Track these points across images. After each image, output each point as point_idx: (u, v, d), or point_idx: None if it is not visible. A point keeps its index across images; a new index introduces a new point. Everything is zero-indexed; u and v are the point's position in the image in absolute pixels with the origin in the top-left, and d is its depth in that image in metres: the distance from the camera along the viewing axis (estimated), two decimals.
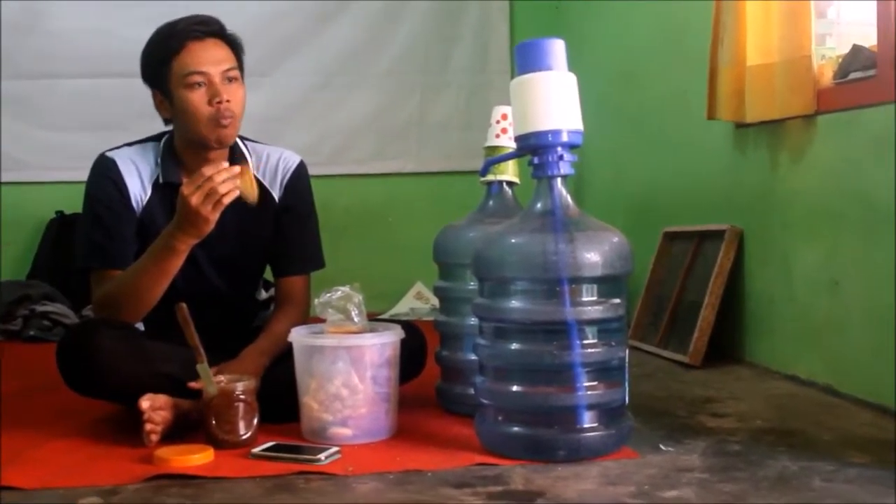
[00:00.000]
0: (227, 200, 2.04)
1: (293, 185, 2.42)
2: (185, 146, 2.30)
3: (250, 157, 2.39)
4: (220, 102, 2.20)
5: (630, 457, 1.91)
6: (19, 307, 4.03)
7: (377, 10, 4.87)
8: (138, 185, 2.31)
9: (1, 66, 4.61)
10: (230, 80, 2.23)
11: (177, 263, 2.14)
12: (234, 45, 2.29)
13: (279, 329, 2.28)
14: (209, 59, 2.21)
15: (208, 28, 2.25)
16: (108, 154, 2.34)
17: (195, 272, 2.33)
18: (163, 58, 2.22)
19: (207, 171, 2.03)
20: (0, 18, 4.60)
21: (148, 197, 2.31)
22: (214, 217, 2.05)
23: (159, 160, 2.32)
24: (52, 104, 4.70)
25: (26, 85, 4.66)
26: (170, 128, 2.35)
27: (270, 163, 2.42)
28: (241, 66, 2.29)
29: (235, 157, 2.32)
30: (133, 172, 2.31)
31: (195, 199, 2.02)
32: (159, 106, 2.30)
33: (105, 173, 2.30)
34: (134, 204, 2.30)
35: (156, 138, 2.38)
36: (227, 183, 2.03)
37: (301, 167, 2.45)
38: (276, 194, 2.41)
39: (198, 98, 2.21)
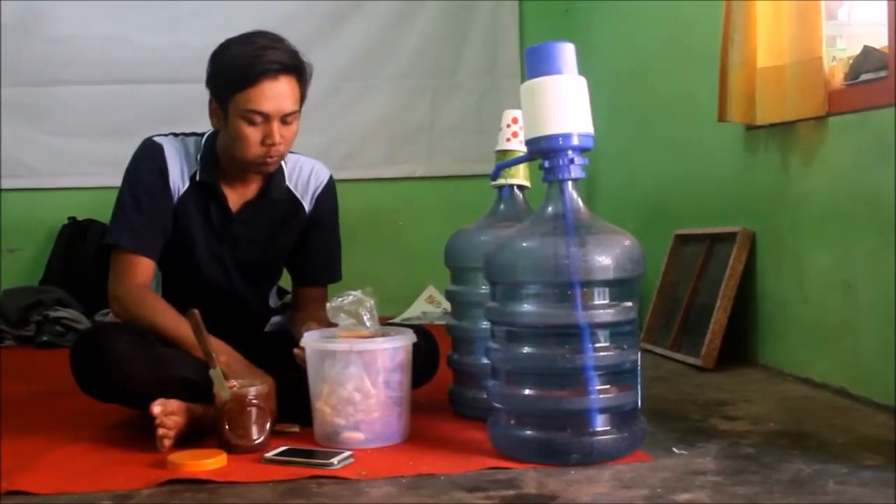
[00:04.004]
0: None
1: (324, 199, 2.47)
2: (226, 155, 2.32)
3: (284, 165, 2.42)
4: (272, 144, 2.23)
5: (643, 460, 1.91)
6: (32, 313, 4.05)
7: (387, 14, 4.89)
8: (178, 175, 2.33)
9: (11, 72, 4.64)
10: (287, 122, 2.25)
11: (192, 351, 2.15)
12: (303, 80, 2.29)
13: (320, 315, 2.28)
14: (275, 100, 2.20)
15: (284, 64, 2.22)
16: (156, 139, 2.36)
17: (221, 272, 2.37)
18: (232, 83, 2.21)
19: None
20: (4, 24, 4.63)
21: (185, 189, 2.34)
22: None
23: (199, 157, 2.34)
24: (63, 111, 4.72)
25: (37, 91, 4.69)
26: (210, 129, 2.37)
27: (303, 174, 2.46)
28: (303, 99, 2.30)
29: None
30: (176, 162, 2.33)
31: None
32: (212, 114, 2.30)
33: (151, 157, 2.32)
34: (172, 191, 2.32)
35: (199, 134, 2.40)
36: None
37: (331, 181, 2.49)
38: (306, 206, 2.45)
39: (252, 134, 2.22)
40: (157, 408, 2.01)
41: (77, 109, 4.72)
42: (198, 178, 2.33)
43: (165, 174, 2.31)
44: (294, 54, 2.26)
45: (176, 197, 2.33)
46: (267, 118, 2.21)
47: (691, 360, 3.04)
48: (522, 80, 2.00)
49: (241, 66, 2.20)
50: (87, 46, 4.70)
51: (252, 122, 2.21)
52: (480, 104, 4.91)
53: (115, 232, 2.29)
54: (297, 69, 2.26)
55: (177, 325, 2.18)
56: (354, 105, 4.90)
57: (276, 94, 2.21)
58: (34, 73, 4.69)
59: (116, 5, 4.69)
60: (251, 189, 2.38)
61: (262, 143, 2.23)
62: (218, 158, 2.34)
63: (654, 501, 1.66)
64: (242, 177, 2.35)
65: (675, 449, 1.99)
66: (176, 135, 2.40)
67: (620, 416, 1.92)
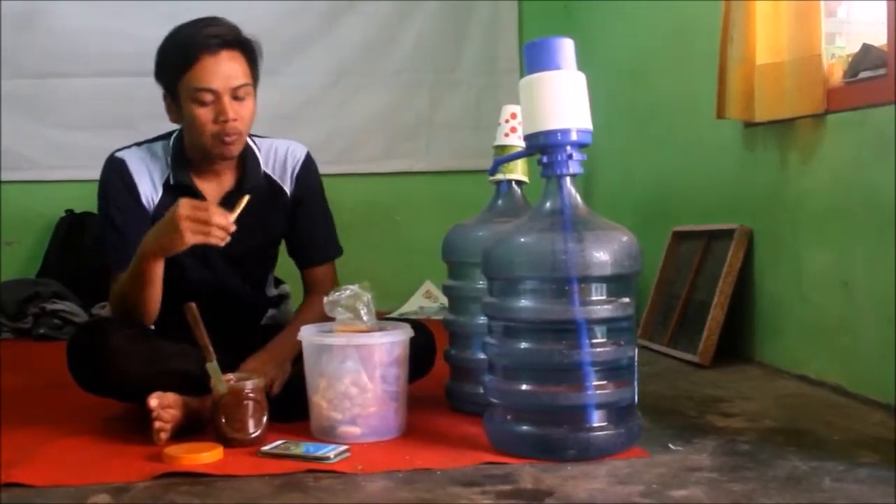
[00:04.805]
0: (212, 241, 2.06)
1: (304, 176, 2.44)
2: (191, 148, 2.31)
3: (258, 151, 2.40)
4: (225, 121, 2.20)
5: (639, 456, 1.91)
6: (29, 305, 4.05)
7: (386, 10, 4.88)
8: (149, 186, 2.32)
9: (12, 64, 4.63)
10: (239, 97, 2.23)
11: (151, 269, 2.13)
12: (250, 54, 2.27)
13: (307, 318, 2.30)
14: (220, 75, 2.19)
15: (224, 39, 2.21)
16: (118, 154, 2.34)
17: (207, 268, 2.34)
18: (175, 68, 2.21)
19: (215, 212, 2.05)
20: (5, 17, 4.62)
21: (159, 197, 2.32)
22: (190, 242, 2.05)
23: (169, 160, 2.33)
24: (61, 103, 4.71)
25: (35, 84, 4.68)
26: (177, 126, 2.35)
27: (279, 156, 2.43)
28: (255, 75, 2.28)
29: (243, 154, 2.33)
30: (143, 173, 2.32)
31: (186, 222, 2.03)
32: (168, 109, 2.29)
33: (115, 174, 2.31)
34: (145, 203, 2.31)
35: (165, 136, 2.38)
36: (221, 228, 2.05)
37: (309, 158, 2.46)
38: (287, 188, 2.42)
39: (204, 114, 2.21)
40: (153, 401, 2.01)
41: (77, 102, 4.71)
42: (171, 181, 2.32)
43: (133, 188, 2.30)
44: (234, 29, 2.25)
45: (151, 207, 2.31)
46: (217, 96, 2.19)
47: (688, 356, 3.04)
48: (521, 76, 2.00)
49: (181, 46, 2.21)
50: (87, 40, 4.69)
51: (203, 103, 2.20)
52: (479, 100, 4.90)
53: (102, 255, 2.31)
54: (239, 43, 2.24)
55: (130, 271, 2.17)
56: (353, 100, 4.89)
57: (221, 69, 2.19)
58: (34, 65, 4.68)
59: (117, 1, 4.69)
60: (227, 181, 2.35)
61: (215, 121, 2.21)
62: (188, 157, 2.32)
63: (650, 497, 1.66)
64: (214, 169, 2.33)
65: (671, 445, 1.99)
66: (140, 144, 2.38)
67: (617, 412, 1.92)
